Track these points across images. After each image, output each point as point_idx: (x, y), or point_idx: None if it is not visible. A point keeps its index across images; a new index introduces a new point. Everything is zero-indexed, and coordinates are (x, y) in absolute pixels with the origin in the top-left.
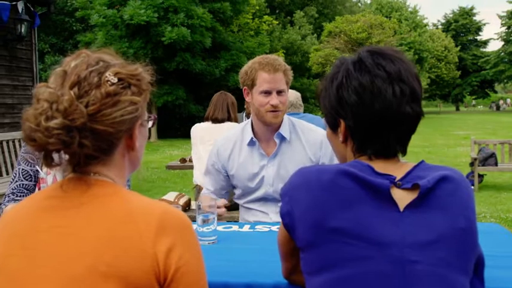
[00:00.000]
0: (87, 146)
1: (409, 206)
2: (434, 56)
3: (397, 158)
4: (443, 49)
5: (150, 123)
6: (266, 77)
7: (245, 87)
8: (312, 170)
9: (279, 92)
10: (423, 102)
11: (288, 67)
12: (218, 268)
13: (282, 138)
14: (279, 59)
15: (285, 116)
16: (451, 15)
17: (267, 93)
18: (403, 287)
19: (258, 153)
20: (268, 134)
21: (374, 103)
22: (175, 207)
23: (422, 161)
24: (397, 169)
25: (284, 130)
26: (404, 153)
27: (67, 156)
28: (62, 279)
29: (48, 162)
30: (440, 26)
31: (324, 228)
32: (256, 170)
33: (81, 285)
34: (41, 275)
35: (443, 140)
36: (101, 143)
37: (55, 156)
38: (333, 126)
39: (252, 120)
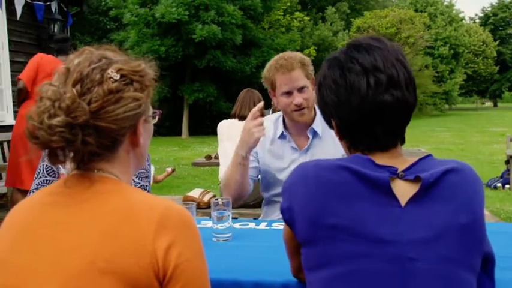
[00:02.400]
0: (90, 143)
1: (411, 201)
2: (471, 51)
3: (396, 150)
4: (481, 44)
5: (156, 119)
6: (283, 78)
7: (269, 90)
8: (310, 165)
9: (301, 89)
10: (459, 99)
11: (306, 60)
12: (228, 265)
13: (315, 134)
14: (293, 56)
15: (318, 112)
16: (489, 9)
17: (288, 93)
18: (403, 286)
19: (290, 147)
20: (300, 128)
21: (350, 99)
22: (180, 204)
23: (429, 155)
24: (400, 162)
25: (317, 125)
26: (402, 143)
27: (71, 154)
28: (63, 276)
29: (53, 159)
30: (477, 20)
31: (321, 224)
32: (287, 163)
33: (80, 280)
34: (43, 270)
35: (479, 137)
36: (104, 140)
37: (59, 153)
38: (330, 125)
39: (283, 115)
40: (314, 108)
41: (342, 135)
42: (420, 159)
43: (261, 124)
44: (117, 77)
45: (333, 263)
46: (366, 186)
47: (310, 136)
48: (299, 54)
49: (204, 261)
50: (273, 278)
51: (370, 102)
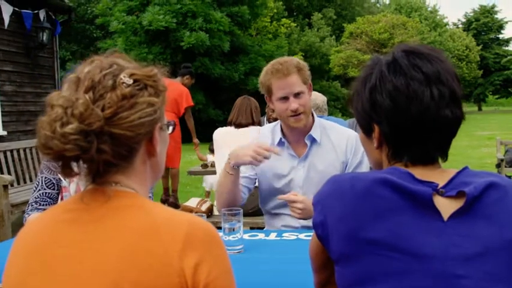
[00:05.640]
0: (105, 151)
1: (453, 216)
2: (455, 56)
3: (437, 164)
4: (465, 48)
5: (170, 129)
6: (279, 83)
7: (266, 95)
8: (346, 178)
9: (297, 95)
10: None
11: (303, 65)
12: (244, 279)
13: (313, 141)
14: (289, 60)
15: (316, 119)
16: (471, 14)
17: (285, 98)
18: None
19: (288, 154)
20: (298, 136)
21: (410, 107)
22: (200, 217)
23: (466, 167)
24: (439, 176)
25: (315, 132)
26: (445, 158)
27: (85, 165)
28: None
29: (67, 171)
30: (460, 25)
31: (359, 239)
32: (286, 171)
33: None
34: None
35: (467, 141)
36: (120, 149)
37: (73, 165)
38: (366, 131)
39: (280, 122)
40: (312, 114)
41: (385, 142)
42: (459, 172)
43: (263, 156)
44: (130, 81)
45: (373, 281)
46: (406, 199)
47: (308, 143)
48: (295, 59)
49: (233, 278)
50: None
51: (432, 114)
